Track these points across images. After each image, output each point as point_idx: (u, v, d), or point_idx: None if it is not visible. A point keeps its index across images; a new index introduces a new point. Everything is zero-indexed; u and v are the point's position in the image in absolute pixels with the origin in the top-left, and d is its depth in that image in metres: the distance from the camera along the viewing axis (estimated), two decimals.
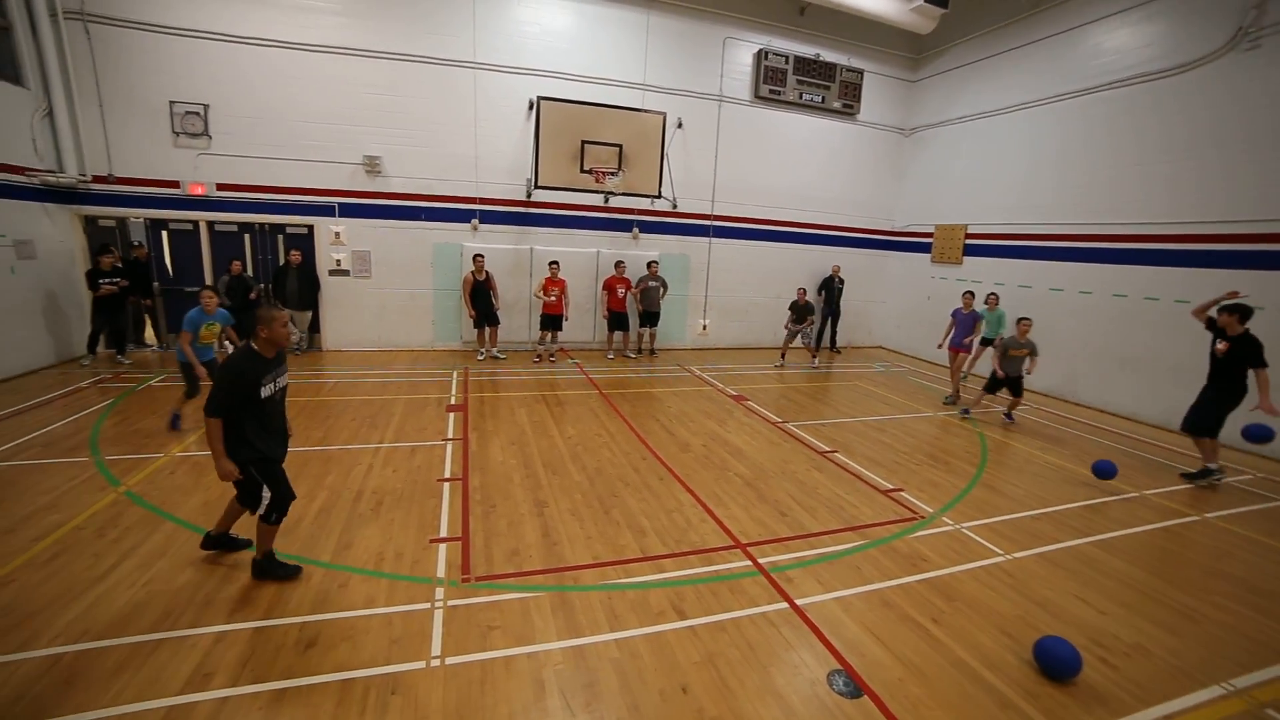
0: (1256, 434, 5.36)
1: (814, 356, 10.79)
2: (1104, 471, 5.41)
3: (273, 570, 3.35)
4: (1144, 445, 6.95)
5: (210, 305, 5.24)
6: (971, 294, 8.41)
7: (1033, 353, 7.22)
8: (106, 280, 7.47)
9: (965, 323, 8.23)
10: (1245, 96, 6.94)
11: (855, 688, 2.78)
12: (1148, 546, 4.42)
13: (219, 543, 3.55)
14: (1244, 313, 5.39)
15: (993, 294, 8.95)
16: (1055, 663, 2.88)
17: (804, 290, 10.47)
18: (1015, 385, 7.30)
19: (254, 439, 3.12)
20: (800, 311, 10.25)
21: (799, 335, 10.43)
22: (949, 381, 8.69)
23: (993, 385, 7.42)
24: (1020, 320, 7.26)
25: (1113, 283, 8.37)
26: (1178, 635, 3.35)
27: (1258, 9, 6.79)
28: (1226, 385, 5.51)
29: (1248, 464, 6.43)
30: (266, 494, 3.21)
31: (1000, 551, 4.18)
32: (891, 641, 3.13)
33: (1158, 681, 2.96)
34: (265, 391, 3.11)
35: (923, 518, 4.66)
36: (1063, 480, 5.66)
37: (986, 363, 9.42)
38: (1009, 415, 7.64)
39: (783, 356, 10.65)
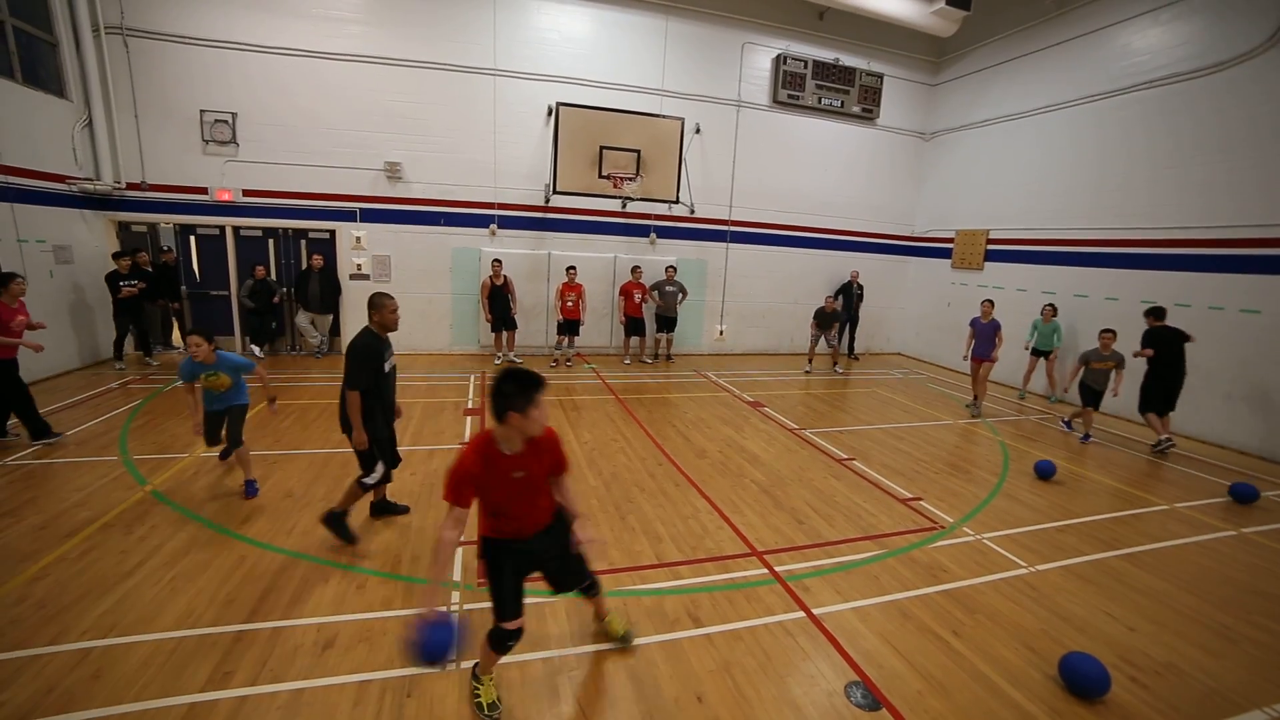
0: (1243, 493, 5.52)
1: (835, 363, 10.73)
2: (1044, 471, 5.74)
3: (338, 525, 3.74)
4: (1174, 456, 6.74)
5: (200, 353, 4.07)
6: (991, 303, 8.09)
7: (1119, 365, 6.81)
8: (126, 283, 7.68)
9: (986, 332, 7.92)
10: None
11: (873, 700, 2.72)
12: (1180, 561, 4.28)
13: (382, 510, 4.18)
14: (1155, 313, 6.88)
15: (1049, 305, 8.78)
16: (1082, 680, 2.79)
17: (832, 298, 10.34)
18: (1096, 398, 6.97)
19: (375, 418, 3.67)
20: (826, 320, 10.11)
21: (824, 340, 10.29)
22: (969, 389, 8.52)
23: (1087, 398, 7.04)
24: (1102, 332, 6.89)
25: (1140, 289, 8.15)
26: (1214, 655, 3.23)
27: None
28: (1152, 370, 6.82)
29: None
30: (379, 469, 3.78)
31: (1023, 563, 4.08)
32: (910, 653, 3.06)
33: (1192, 703, 2.85)
34: (386, 366, 3.71)
35: (942, 527, 4.57)
36: (1087, 491, 5.51)
37: (1041, 376, 9.21)
38: (1081, 434, 7.20)
39: (810, 362, 10.60)
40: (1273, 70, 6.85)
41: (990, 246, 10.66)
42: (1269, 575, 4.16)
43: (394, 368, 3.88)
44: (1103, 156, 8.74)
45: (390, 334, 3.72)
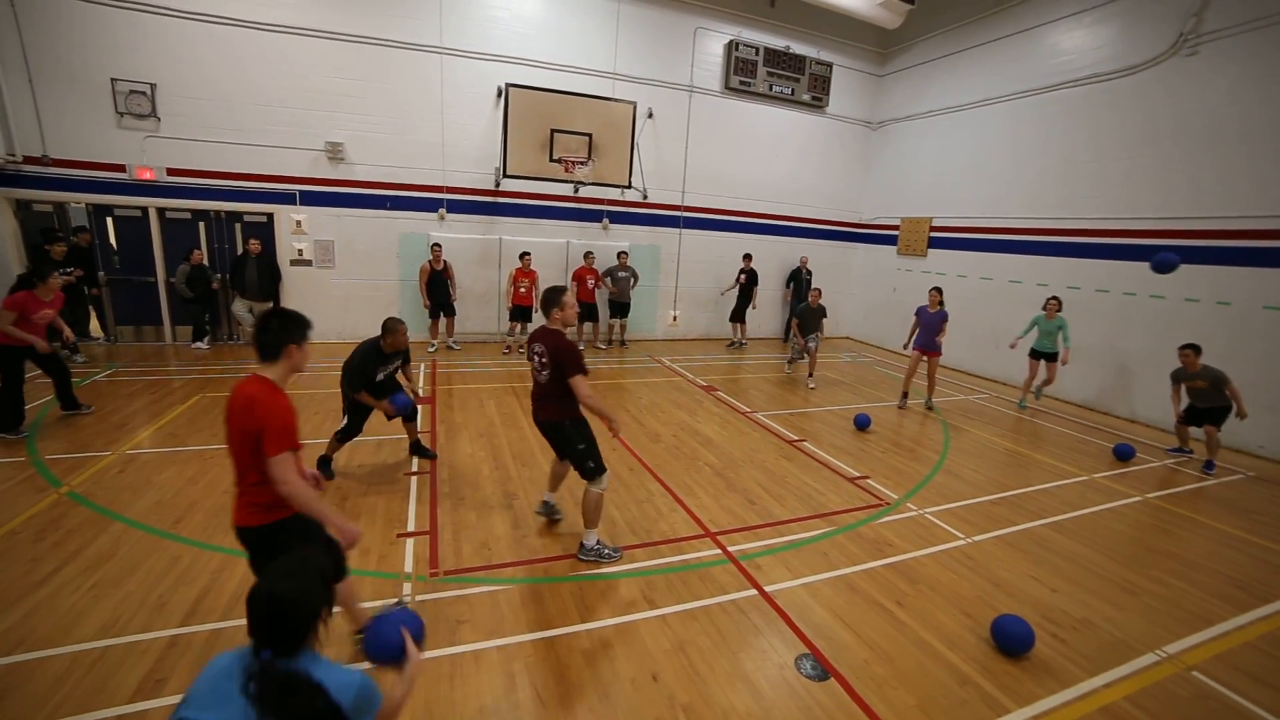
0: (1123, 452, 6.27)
1: (810, 374, 8.81)
2: (860, 422, 6.61)
3: (324, 465, 4.58)
4: (1093, 430, 7.28)
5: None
6: (939, 290, 7.58)
7: (1215, 384, 5.75)
8: (62, 271, 6.96)
9: (932, 323, 7.40)
10: (1196, 98, 7.20)
11: (822, 671, 2.84)
12: (1095, 526, 4.64)
13: (416, 450, 5.11)
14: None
15: (1054, 298, 7.67)
16: (1010, 640, 3.01)
17: (819, 291, 8.56)
18: (1214, 415, 5.95)
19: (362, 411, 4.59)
20: (812, 316, 8.47)
21: (806, 347, 8.53)
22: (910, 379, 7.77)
23: (1190, 418, 6.17)
24: (1180, 349, 5.97)
25: (1068, 276, 8.69)
26: (1119, 608, 3.54)
27: (1196, 18, 7.10)
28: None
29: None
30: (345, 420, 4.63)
31: (961, 535, 4.33)
32: (857, 625, 3.21)
33: (1101, 652, 3.12)
34: (380, 377, 4.57)
35: (888, 504, 4.78)
36: (1019, 465, 5.89)
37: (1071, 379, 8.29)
38: (1208, 465, 6.07)
39: (790, 364, 9.28)
40: (1180, 75, 7.36)
41: (933, 234, 11.11)
42: (1164, 534, 4.59)
43: (391, 373, 4.69)
44: (1037, 149, 9.20)
45: (390, 343, 4.47)
